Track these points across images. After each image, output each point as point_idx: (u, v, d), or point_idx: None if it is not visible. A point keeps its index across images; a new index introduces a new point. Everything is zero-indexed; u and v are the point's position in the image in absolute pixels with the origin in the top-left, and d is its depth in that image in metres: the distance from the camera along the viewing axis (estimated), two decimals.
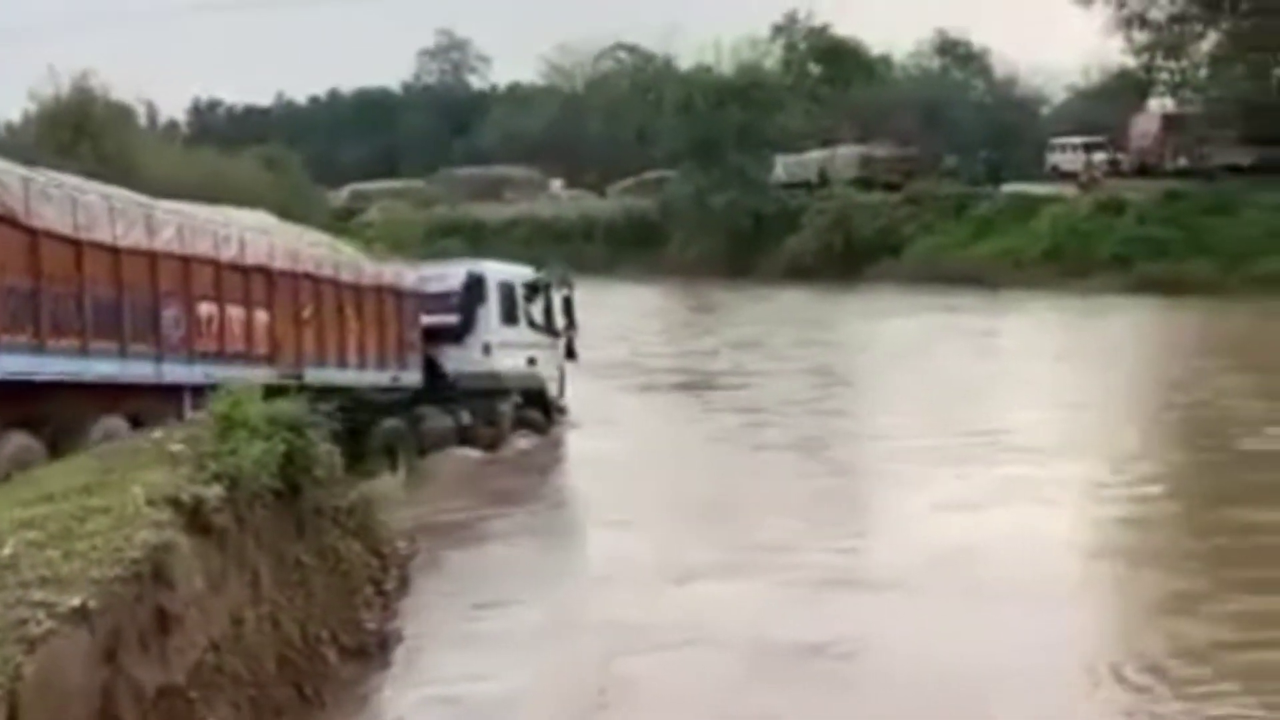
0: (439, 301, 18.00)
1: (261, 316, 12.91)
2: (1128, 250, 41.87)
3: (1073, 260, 42.56)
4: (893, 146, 54.89)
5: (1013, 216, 46.74)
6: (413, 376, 16.71)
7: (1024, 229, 45.62)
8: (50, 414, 10.28)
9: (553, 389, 19.71)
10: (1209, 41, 47.49)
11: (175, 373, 11.58)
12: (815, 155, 55.72)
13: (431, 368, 17.59)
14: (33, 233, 9.79)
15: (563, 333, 19.97)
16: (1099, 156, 49.93)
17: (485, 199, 60.40)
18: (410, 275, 17.27)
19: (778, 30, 68.25)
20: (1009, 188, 49.36)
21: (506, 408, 18.51)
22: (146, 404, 11.17)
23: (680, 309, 43.43)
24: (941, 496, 14.23)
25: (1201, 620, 9.78)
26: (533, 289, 19.67)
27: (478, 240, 46.64)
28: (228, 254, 12.47)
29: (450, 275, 18.64)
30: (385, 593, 10.39)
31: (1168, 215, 42.87)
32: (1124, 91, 50.58)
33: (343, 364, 14.72)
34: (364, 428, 14.50)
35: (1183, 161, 46.66)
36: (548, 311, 19.91)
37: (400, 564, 11.21)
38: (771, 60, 64.32)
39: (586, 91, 74.51)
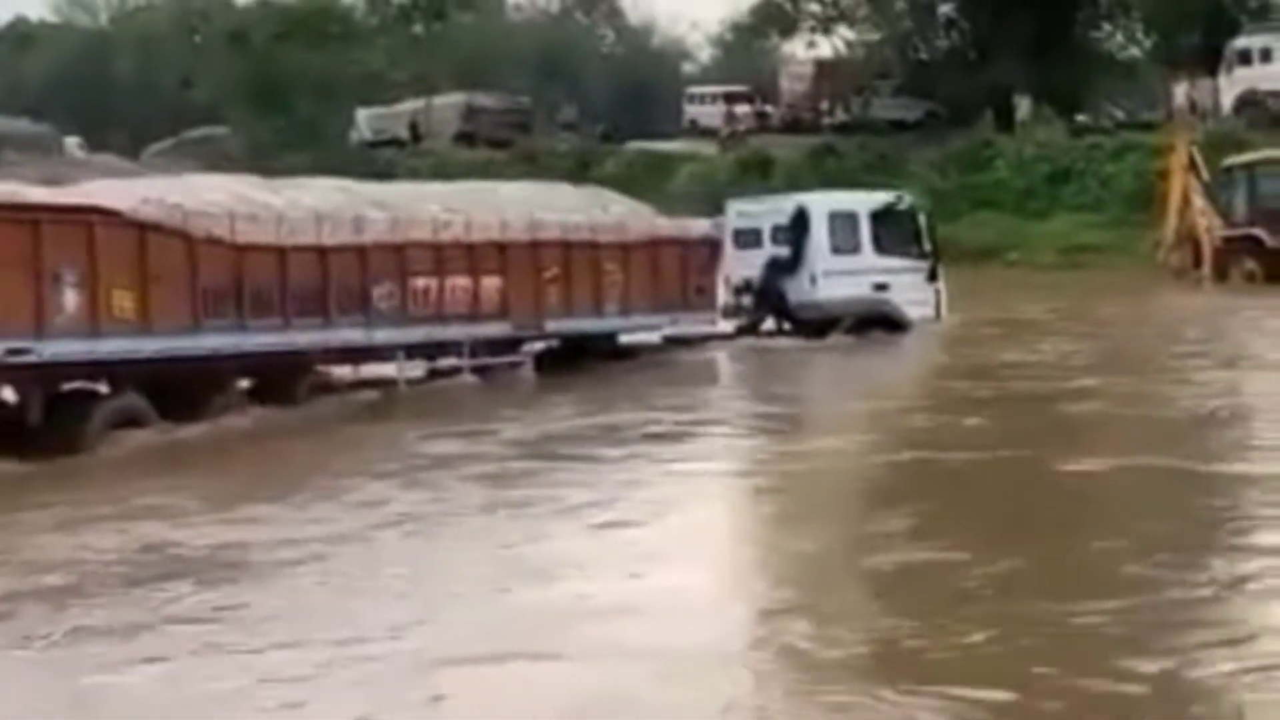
0: (783, 234, 21.20)
1: (491, 281, 16.85)
2: None
3: None
4: (502, 97, 51.32)
5: (642, 176, 43.72)
6: (701, 321, 19.90)
7: (656, 192, 40.16)
8: (264, 371, 14.80)
9: (915, 311, 21.49)
10: None
11: (386, 336, 15.74)
12: (406, 106, 50.77)
13: (782, 298, 21.03)
14: (238, 247, 14.16)
15: (929, 255, 22.09)
16: (742, 109, 48.06)
17: None
18: (700, 225, 20.16)
19: None
20: (637, 145, 46.88)
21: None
22: (361, 360, 16.01)
23: None
24: None
25: None
26: (885, 215, 21.71)
27: None
28: (449, 235, 16.53)
29: (787, 209, 21.62)
30: None
31: (822, 176, 40.49)
32: (765, 30, 48.52)
33: (598, 314, 18.22)
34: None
35: (841, 115, 45.68)
36: (916, 235, 21.92)
37: None
38: None
39: (113, 28, 68.00)
